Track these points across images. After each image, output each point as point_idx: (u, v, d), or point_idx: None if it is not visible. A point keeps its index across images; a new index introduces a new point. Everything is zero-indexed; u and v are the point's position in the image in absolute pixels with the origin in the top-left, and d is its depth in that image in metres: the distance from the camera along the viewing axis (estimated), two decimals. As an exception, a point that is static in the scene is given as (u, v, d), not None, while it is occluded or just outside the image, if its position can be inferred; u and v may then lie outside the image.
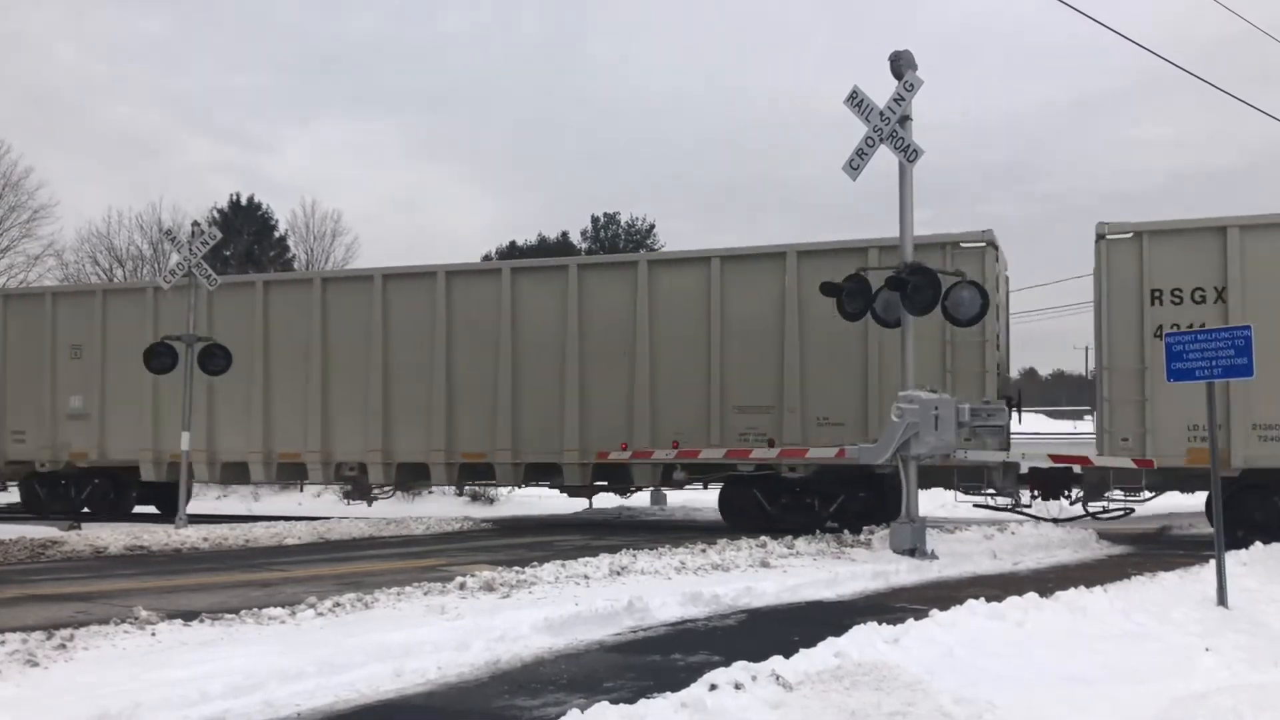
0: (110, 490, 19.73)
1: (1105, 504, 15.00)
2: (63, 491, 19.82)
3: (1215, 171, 61.08)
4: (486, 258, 40.21)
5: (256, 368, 18.57)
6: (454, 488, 22.12)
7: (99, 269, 40.09)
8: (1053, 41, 65.37)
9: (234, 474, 19.33)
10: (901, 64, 12.00)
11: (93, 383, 19.50)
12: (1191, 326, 13.34)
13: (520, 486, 19.18)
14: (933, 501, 16.46)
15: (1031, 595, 7.65)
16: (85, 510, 19.51)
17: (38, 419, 19.70)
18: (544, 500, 22.86)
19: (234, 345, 17.45)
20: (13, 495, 21.70)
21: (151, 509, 20.69)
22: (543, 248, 44.68)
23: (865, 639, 6.13)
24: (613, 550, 11.21)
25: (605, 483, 18.02)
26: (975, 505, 15.81)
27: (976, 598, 7.46)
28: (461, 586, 8.76)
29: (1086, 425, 42.55)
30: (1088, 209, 67.08)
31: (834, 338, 15.39)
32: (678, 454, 16.05)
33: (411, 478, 18.74)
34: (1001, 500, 15.53)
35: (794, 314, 15.79)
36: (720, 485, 17.02)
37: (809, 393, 15.66)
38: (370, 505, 19.65)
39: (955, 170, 66.16)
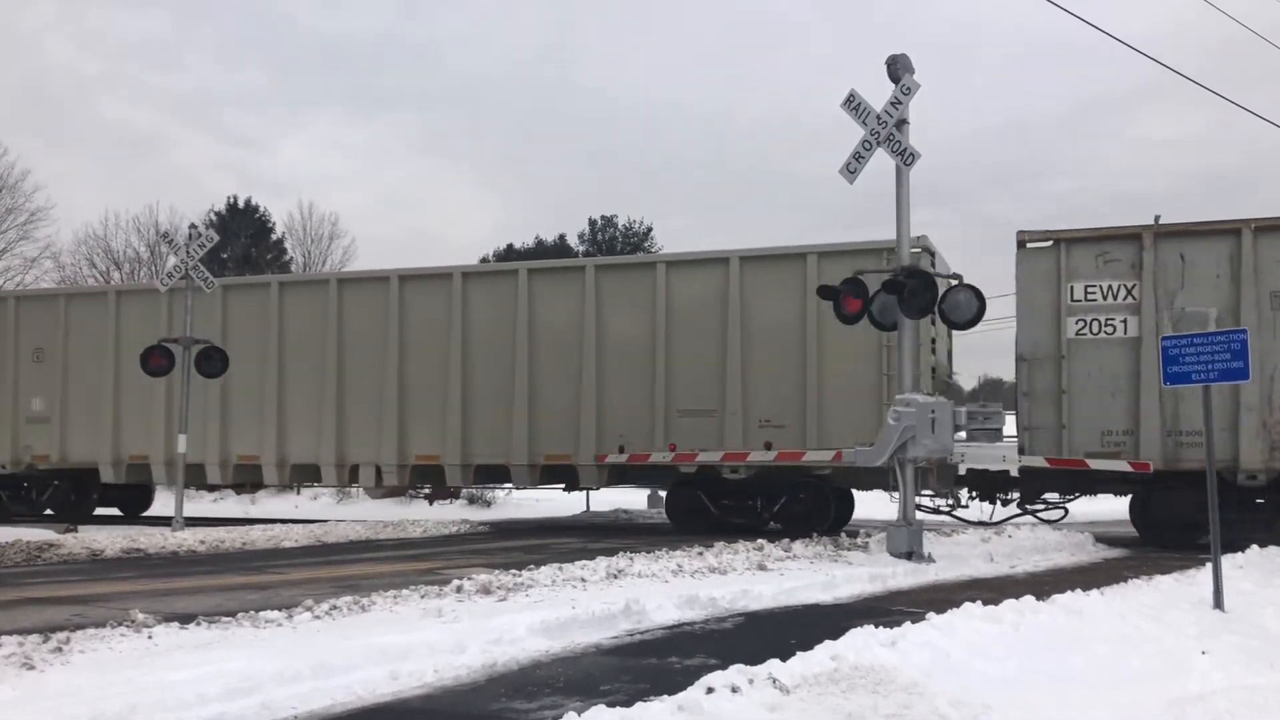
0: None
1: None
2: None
3: (1220, 172, 61.12)
4: (483, 259, 40.20)
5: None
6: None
7: (96, 271, 40.08)
8: (1057, 42, 65.47)
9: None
10: (898, 68, 12.02)
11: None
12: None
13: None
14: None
15: (1028, 598, 7.67)
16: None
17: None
18: (541, 503, 22.88)
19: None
20: None
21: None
22: (540, 250, 44.70)
23: (862, 642, 6.13)
24: (610, 553, 11.22)
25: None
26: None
27: (973, 601, 7.47)
28: (458, 589, 8.77)
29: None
30: (1090, 210, 67.13)
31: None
32: (674, 457, 16.06)
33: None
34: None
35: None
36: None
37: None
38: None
39: (957, 170, 66.22)
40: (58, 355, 19.63)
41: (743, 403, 15.77)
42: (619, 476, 17.25)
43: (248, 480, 19.71)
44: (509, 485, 19.34)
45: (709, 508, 15.98)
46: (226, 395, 18.49)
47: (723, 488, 15.97)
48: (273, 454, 18.23)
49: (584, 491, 20.08)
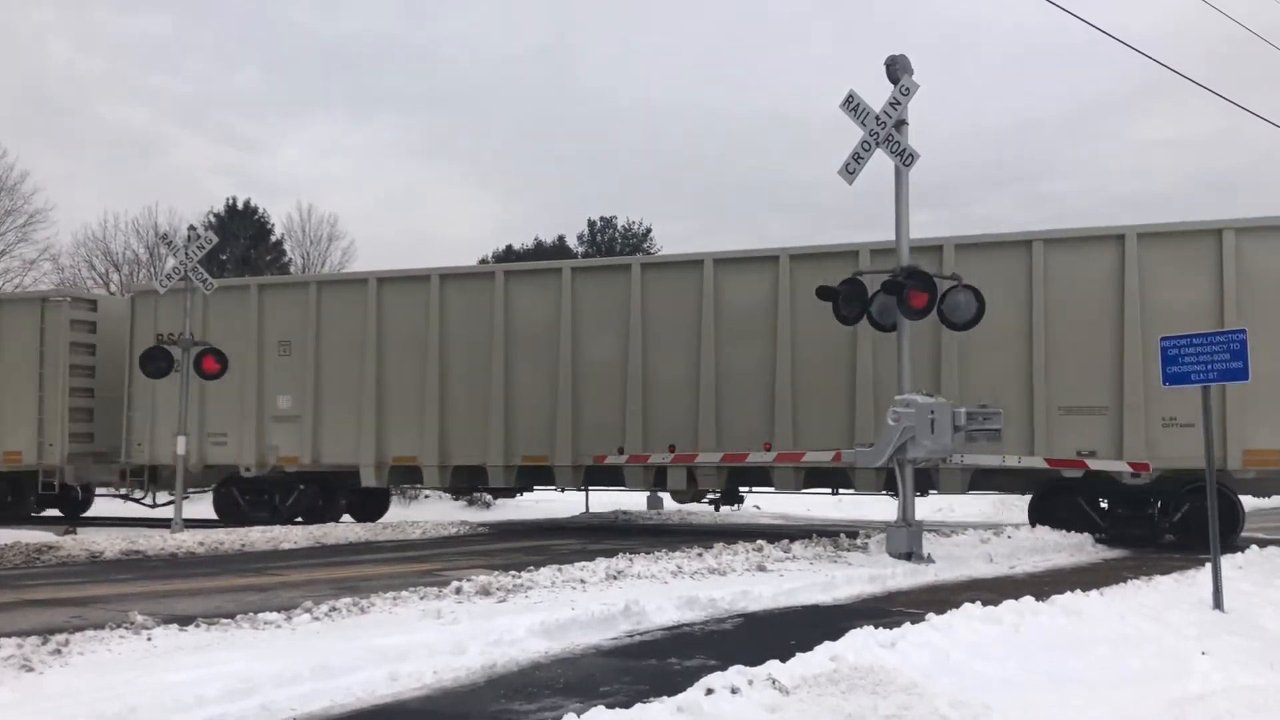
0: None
1: None
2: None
3: (1221, 173, 60.97)
4: (483, 261, 40.21)
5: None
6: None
7: (95, 273, 40.11)
8: (1057, 42, 65.40)
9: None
10: (897, 68, 12.03)
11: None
12: None
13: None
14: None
15: (1028, 599, 7.67)
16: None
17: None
18: (540, 504, 22.88)
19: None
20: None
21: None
22: (539, 252, 44.71)
23: (861, 643, 6.14)
24: (609, 554, 11.22)
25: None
26: None
27: (973, 601, 7.47)
28: (458, 591, 8.77)
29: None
30: (1090, 211, 66.97)
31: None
32: (673, 458, 15.97)
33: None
34: None
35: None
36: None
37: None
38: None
39: (956, 171, 66.17)
40: (309, 348, 18.10)
41: (1144, 397, 14.07)
42: (979, 481, 15.25)
43: (534, 482, 18.22)
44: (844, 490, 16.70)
45: (1091, 516, 14.39)
46: (513, 393, 17.24)
47: (1113, 494, 14.45)
48: (567, 455, 16.86)
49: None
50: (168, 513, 19.25)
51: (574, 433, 16.81)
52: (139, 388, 18.82)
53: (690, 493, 17.44)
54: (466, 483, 18.55)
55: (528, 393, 17.21)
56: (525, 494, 20.59)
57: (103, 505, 21.61)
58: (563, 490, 18.51)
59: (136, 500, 20.08)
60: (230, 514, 18.43)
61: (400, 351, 17.87)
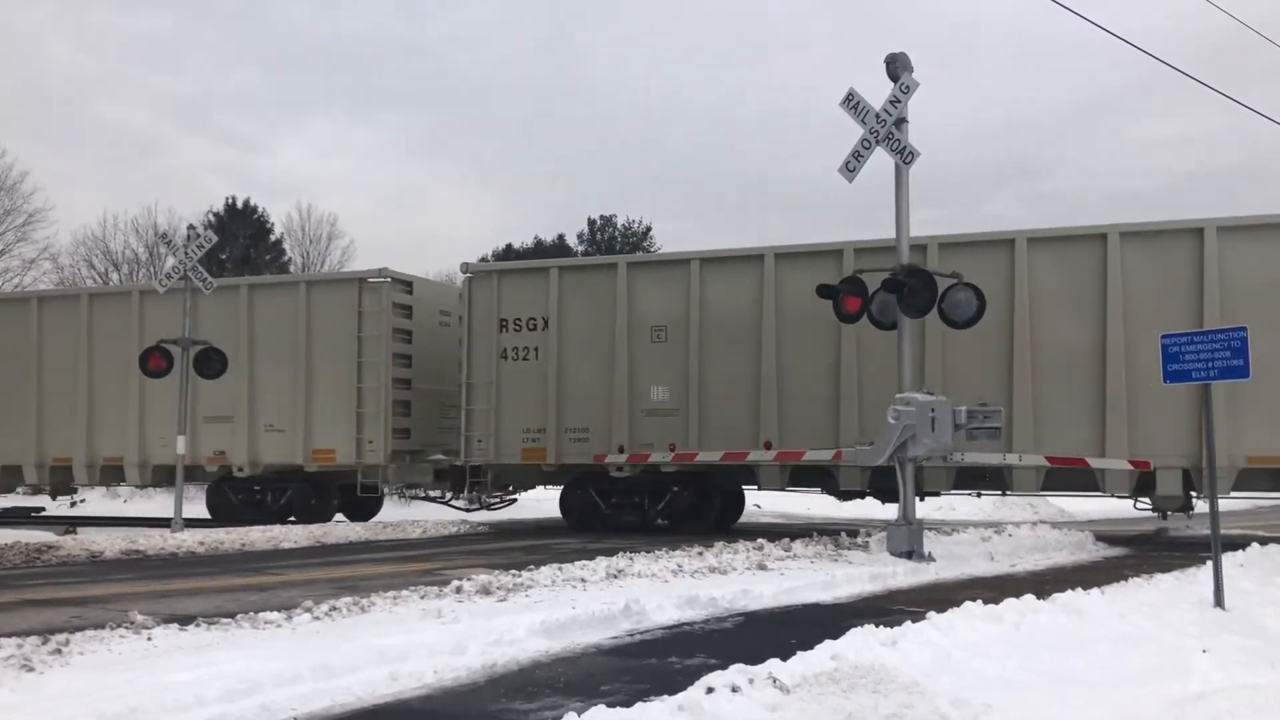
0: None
1: None
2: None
3: (1221, 171, 60.88)
4: (482, 259, 40.19)
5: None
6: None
7: (94, 273, 40.10)
8: (1057, 41, 65.31)
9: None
10: (897, 66, 12.02)
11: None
12: None
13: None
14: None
15: (1028, 597, 7.66)
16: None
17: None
18: (540, 504, 22.85)
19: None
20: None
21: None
22: (539, 250, 44.72)
23: (862, 641, 6.12)
24: (610, 553, 11.22)
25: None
26: None
27: (974, 600, 7.46)
28: (458, 590, 8.76)
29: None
30: (1091, 209, 66.88)
31: None
32: (673, 457, 16.00)
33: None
34: None
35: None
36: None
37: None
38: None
39: (957, 169, 66.11)
40: (690, 334, 16.28)
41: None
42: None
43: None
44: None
45: None
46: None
47: None
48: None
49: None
50: (491, 517, 18.52)
51: (1035, 430, 14.49)
52: (479, 379, 17.38)
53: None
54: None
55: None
56: (527, 492, 19.44)
57: (391, 509, 20.30)
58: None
59: (449, 503, 18.99)
60: (584, 517, 17.00)
61: (799, 335, 15.76)
